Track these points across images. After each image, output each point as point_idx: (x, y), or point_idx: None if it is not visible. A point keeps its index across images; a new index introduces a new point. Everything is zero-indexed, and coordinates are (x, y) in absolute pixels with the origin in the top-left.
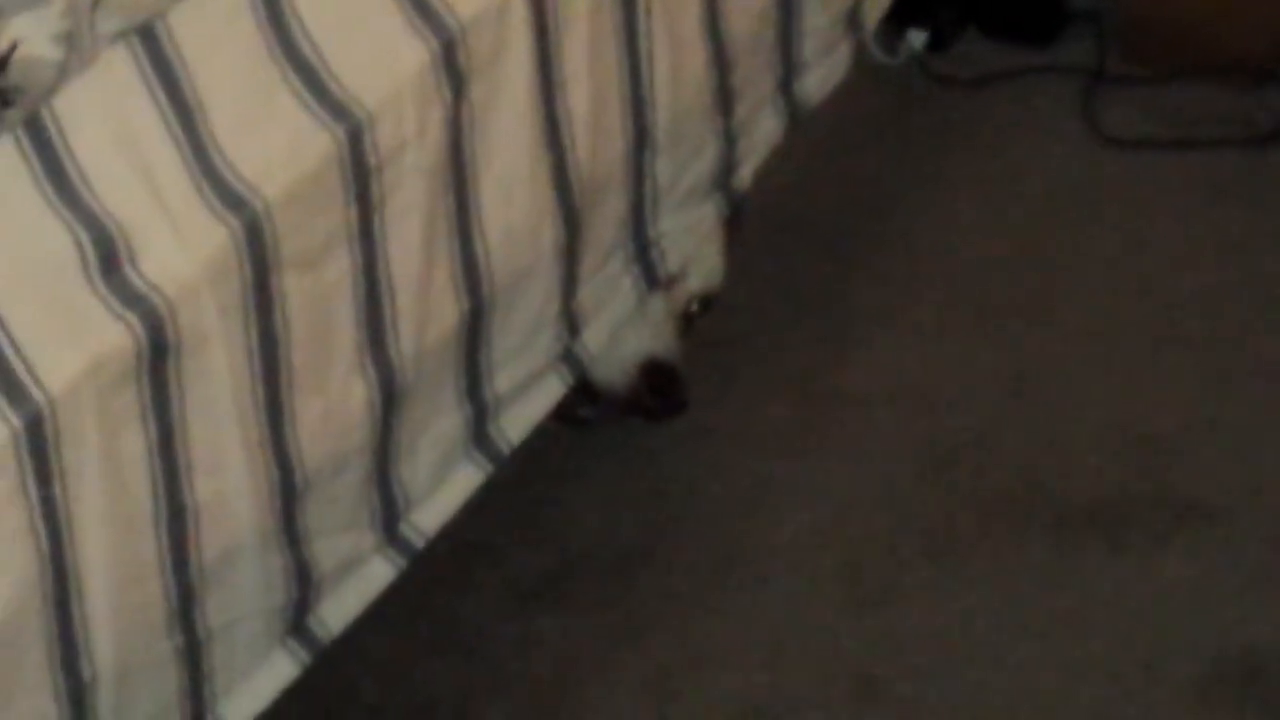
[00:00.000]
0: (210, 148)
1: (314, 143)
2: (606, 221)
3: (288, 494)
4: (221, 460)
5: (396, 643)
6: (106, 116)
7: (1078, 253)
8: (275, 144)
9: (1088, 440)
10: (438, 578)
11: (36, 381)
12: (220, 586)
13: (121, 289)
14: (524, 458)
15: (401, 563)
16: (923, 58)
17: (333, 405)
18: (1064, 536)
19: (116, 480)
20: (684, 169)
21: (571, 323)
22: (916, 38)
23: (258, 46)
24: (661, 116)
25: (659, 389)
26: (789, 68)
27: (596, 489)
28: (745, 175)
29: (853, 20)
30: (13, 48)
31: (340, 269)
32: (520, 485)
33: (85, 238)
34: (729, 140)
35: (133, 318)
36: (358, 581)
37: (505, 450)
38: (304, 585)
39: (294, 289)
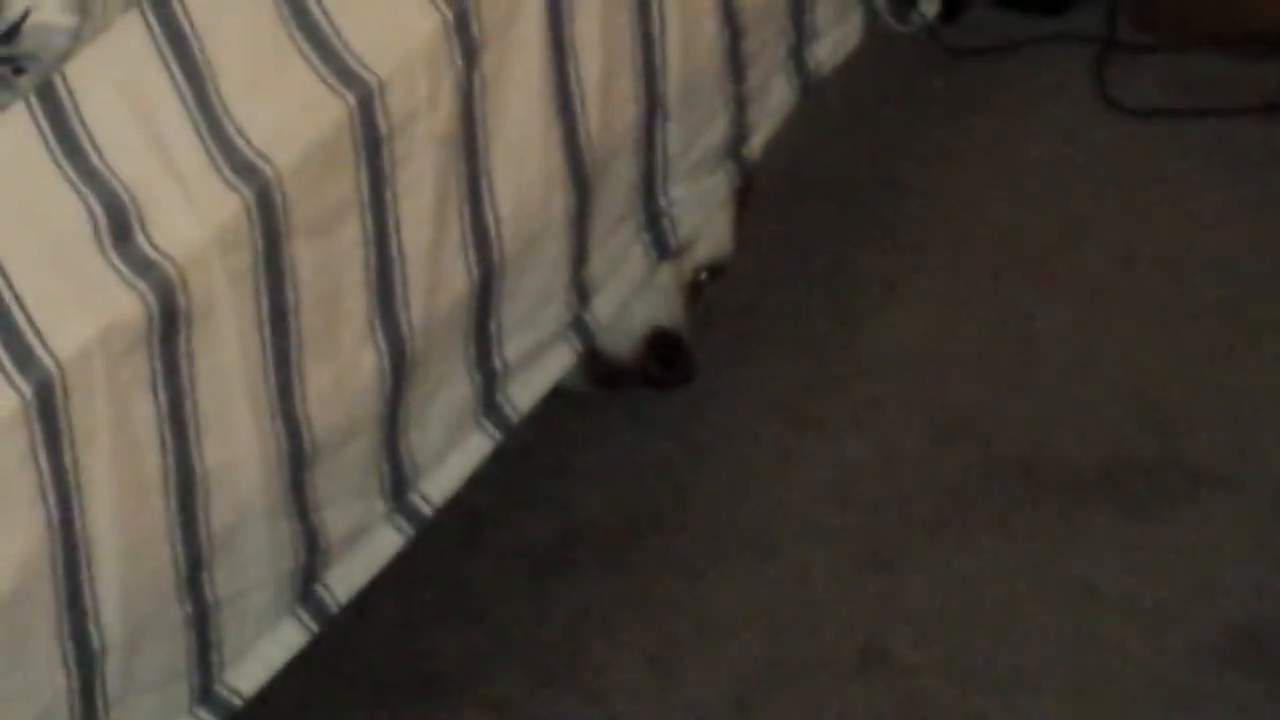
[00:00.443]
0: (222, 115)
1: (326, 110)
2: (617, 189)
3: (297, 462)
4: (231, 428)
5: (405, 610)
6: (118, 84)
7: (1089, 220)
8: (287, 111)
9: (1097, 407)
10: (446, 545)
11: (47, 348)
12: (229, 554)
13: (133, 257)
14: (533, 426)
15: (410, 531)
16: (935, 26)
17: (343, 373)
18: (1072, 503)
19: (126, 447)
20: (695, 137)
21: (582, 291)
22: (929, 6)
23: (270, 13)
24: (673, 84)
25: (665, 359)
26: (801, 36)
27: (605, 457)
28: (756, 144)
29: None
30: (25, 15)
31: (351, 236)
32: (529, 453)
33: (97, 205)
34: (740, 108)
35: (144, 285)
36: (366, 549)
37: (514, 419)
38: (313, 553)
39: (305, 257)
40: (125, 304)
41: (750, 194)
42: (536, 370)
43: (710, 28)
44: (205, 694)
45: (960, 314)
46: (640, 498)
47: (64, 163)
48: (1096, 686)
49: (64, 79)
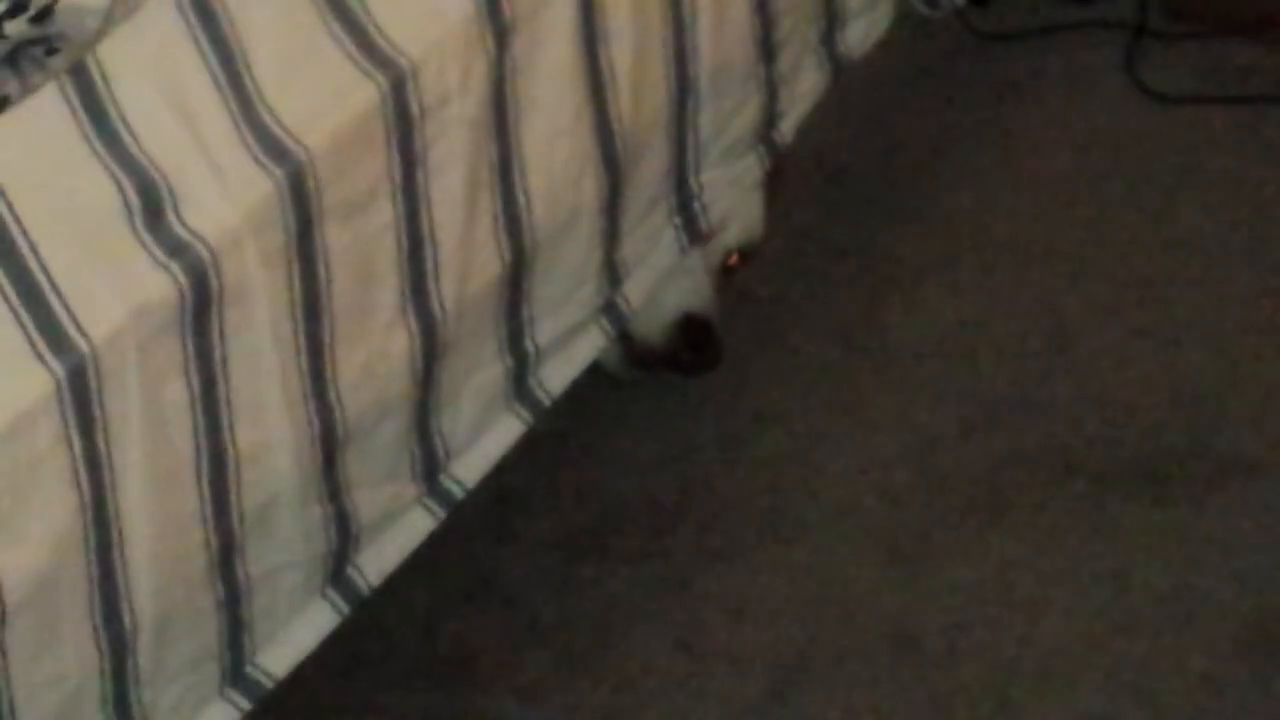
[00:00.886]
0: (254, 96)
1: (358, 92)
2: (649, 173)
3: (328, 444)
4: (263, 410)
5: (436, 593)
6: (151, 65)
7: (1121, 208)
8: (319, 93)
9: (1129, 394)
10: (477, 529)
11: (80, 330)
12: (261, 536)
13: (165, 238)
14: (564, 410)
15: (441, 513)
16: (966, 12)
17: (374, 356)
18: (1104, 490)
19: (158, 429)
20: (727, 121)
21: (613, 275)
22: None
23: None
24: (704, 68)
25: (694, 344)
26: (832, 20)
27: (637, 443)
28: (787, 128)
29: None
30: None
31: (383, 219)
32: (560, 438)
33: (129, 186)
34: (771, 93)
35: (176, 267)
36: (398, 532)
37: (546, 402)
38: (344, 535)
39: (336, 239)
40: (157, 285)
41: (781, 178)
42: (568, 354)
43: (741, 12)
44: (236, 675)
45: (992, 301)
46: (672, 484)
47: (96, 143)
48: (1128, 674)
49: (96, 60)
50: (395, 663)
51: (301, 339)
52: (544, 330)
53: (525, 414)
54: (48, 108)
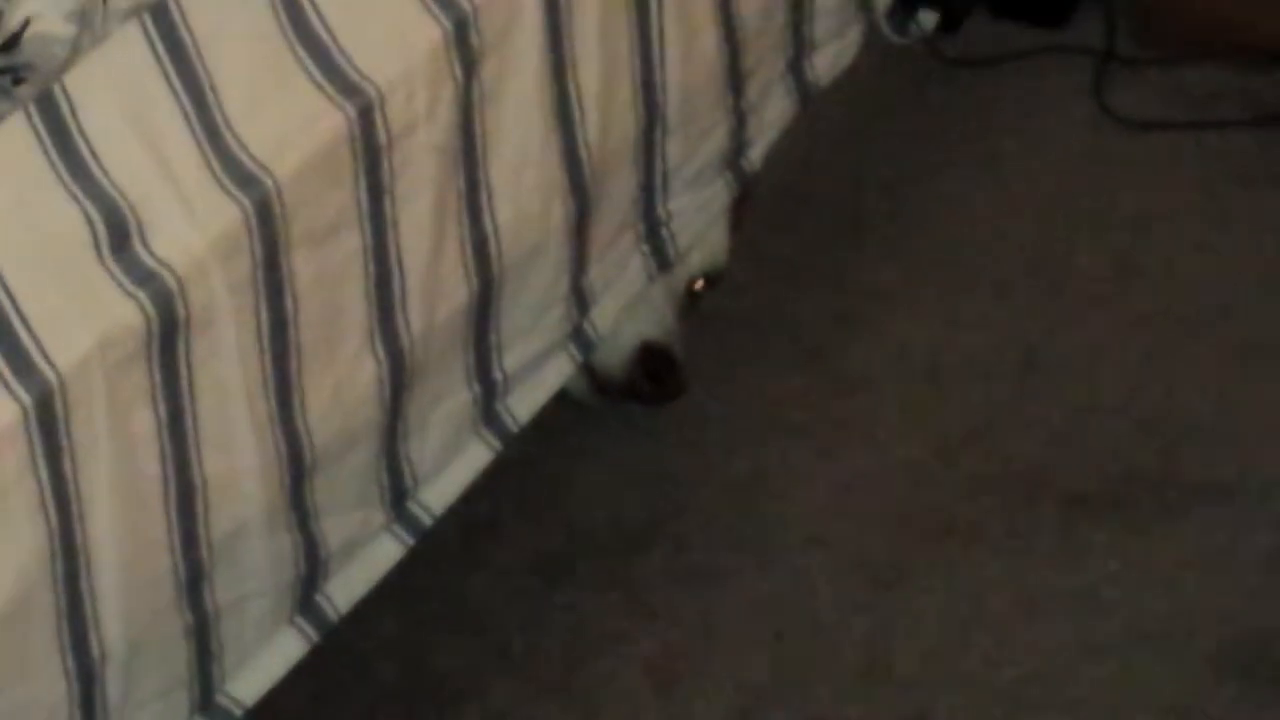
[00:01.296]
0: (221, 125)
1: (325, 121)
2: (617, 200)
3: (297, 471)
4: (231, 438)
5: (405, 620)
6: (118, 94)
7: (1089, 233)
8: (286, 122)
9: (1099, 420)
10: (446, 555)
11: (47, 359)
12: (229, 564)
13: (132, 266)
14: (532, 436)
15: (410, 540)
16: (933, 38)
17: (342, 383)
18: (1075, 516)
19: (126, 457)
20: (695, 149)
21: (581, 301)
22: (927, 18)
23: (269, 24)
24: (672, 96)
25: (654, 374)
26: (800, 48)
27: (605, 468)
28: (756, 155)
29: (864, 1)
30: (25, 24)
31: (350, 247)
32: (528, 464)
33: (96, 215)
34: (739, 120)
35: (143, 295)
36: (366, 559)
37: (514, 428)
38: (313, 563)
39: (304, 267)
40: (124, 313)
41: (746, 203)
42: (536, 381)
43: (709, 40)
44: (206, 703)
45: (960, 326)
46: (640, 509)
47: (63, 172)
48: (1099, 699)
49: (63, 88)
50: (365, 689)
51: (269, 367)
52: (512, 357)
53: (494, 440)
54: (14, 136)
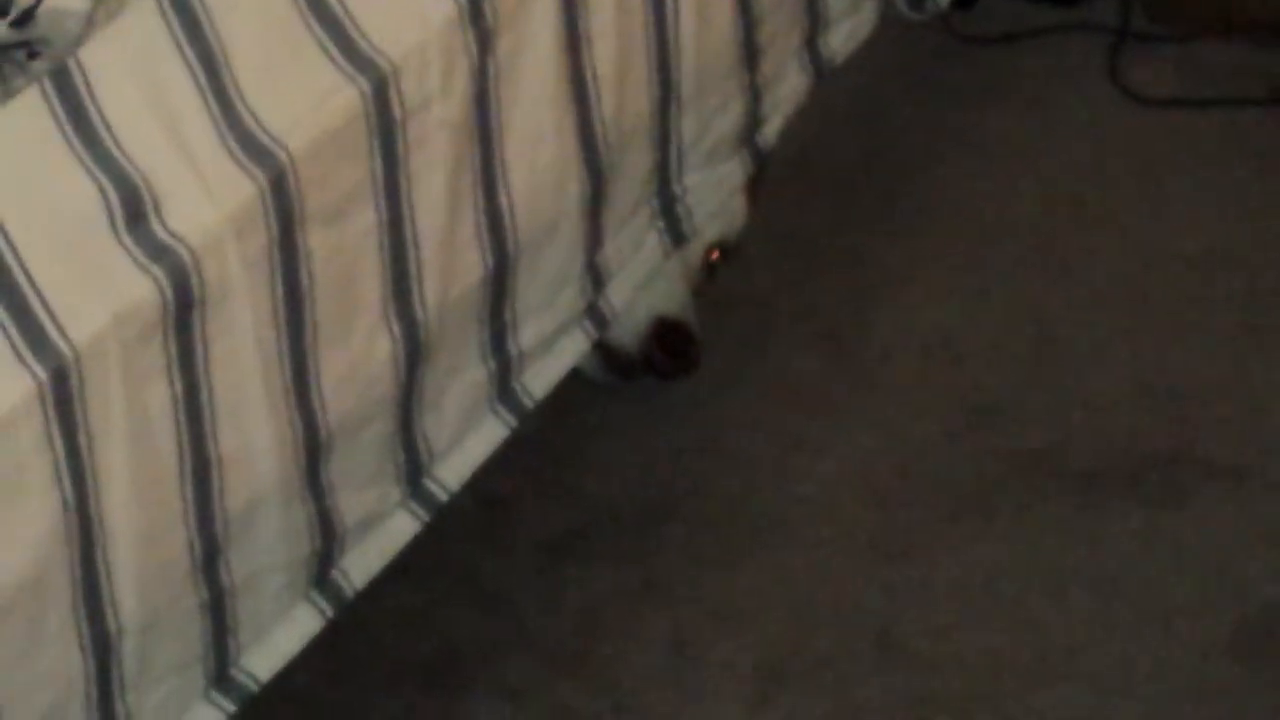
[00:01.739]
0: (236, 100)
1: (339, 96)
2: (632, 176)
3: (312, 447)
4: (246, 414)
5: (420, 596)
6: (132, 69)
7: (1103, 210)
8: (301, 97)
9: (1112, 398)
10: (461, 532)
11: (62, 334)
12: (244, 539)
13: (147, 241)
14: (548, 413)
15: (425, 516)
16: (949, 15)
17: (357, 359)
18: (1087, 493)
19: (141, 433)
20: (709, 125)
21: (596, 277)
22: None
23: None
24: (687, 72)
25: (669, 348)
26: (815, 24)
27: (621, 444)
28: (770, 132)
29: None
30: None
31: (365, 222)
32: (544, 441)
33: (111, 190)
34: (754, 96)
35: (158, 270)
36: (381, 535)
37: (529, 405)
38: (328, 538)
39: (319, 242)
40: (139, 289)
41: (762, 177)
42: (551, 357)
43: (724, 16)
44: (221, 678)
45: (976, 304)
46: (656, 487)
47: (78, 146)
48: (1112, 678)
49: (78, 63)
50: (380, 665)
51: (284, 342)
52: (527, 333)
53: (509, 417)
54: (29, 111)
